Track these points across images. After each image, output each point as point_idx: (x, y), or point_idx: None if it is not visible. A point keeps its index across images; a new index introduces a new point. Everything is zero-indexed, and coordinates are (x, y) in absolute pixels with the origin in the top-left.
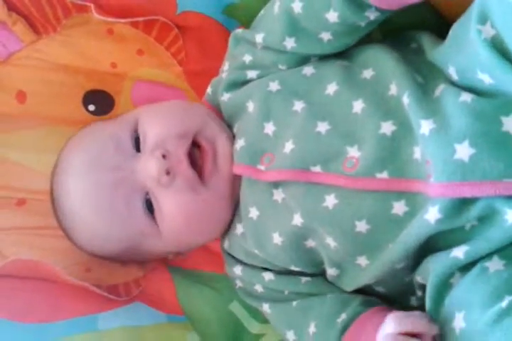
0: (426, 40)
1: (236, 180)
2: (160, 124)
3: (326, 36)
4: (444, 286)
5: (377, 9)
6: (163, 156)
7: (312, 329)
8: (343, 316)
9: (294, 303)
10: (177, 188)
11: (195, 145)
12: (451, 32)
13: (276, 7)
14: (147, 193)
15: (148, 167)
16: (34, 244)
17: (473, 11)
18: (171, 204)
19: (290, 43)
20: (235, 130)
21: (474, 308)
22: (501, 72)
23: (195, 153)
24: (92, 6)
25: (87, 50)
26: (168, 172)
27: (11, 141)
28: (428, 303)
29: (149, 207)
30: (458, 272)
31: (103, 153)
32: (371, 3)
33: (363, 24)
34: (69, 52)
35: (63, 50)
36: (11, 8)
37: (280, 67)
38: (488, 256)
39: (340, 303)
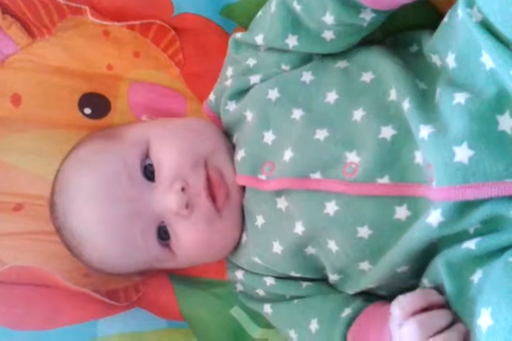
0: (427, 40)
1: (242, 192)
2: (174, 152)
3: (328, 35)
4: (463, 280)
5: (373, 10)
6: (182, 189)
7: (314, 326)
8: (348, 311)
9: (296, 301)
10: (195, 220)
11: None
12: (443, 21)
13: (273, 6)
14: (162, 222)
15: (168, 200)
16: (32, 249)
17: None
18: (188, 234)
19: (292, 42)
20: (234, 140)
21: (501, 305)
22: (498, 52)
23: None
24: (88, 8)
25: (82, 53)
26: (187, 206)
27: (6, 144)
28: (450, 295)
29: (163, 234)
30: (479, 269)
31: (117, 182)
32: (364, 3)
33: (364, 24)
34: (64, 54)
35: (58, 52)
36: (6, 11)
37: (283, 67)
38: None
39: (342, 300)
